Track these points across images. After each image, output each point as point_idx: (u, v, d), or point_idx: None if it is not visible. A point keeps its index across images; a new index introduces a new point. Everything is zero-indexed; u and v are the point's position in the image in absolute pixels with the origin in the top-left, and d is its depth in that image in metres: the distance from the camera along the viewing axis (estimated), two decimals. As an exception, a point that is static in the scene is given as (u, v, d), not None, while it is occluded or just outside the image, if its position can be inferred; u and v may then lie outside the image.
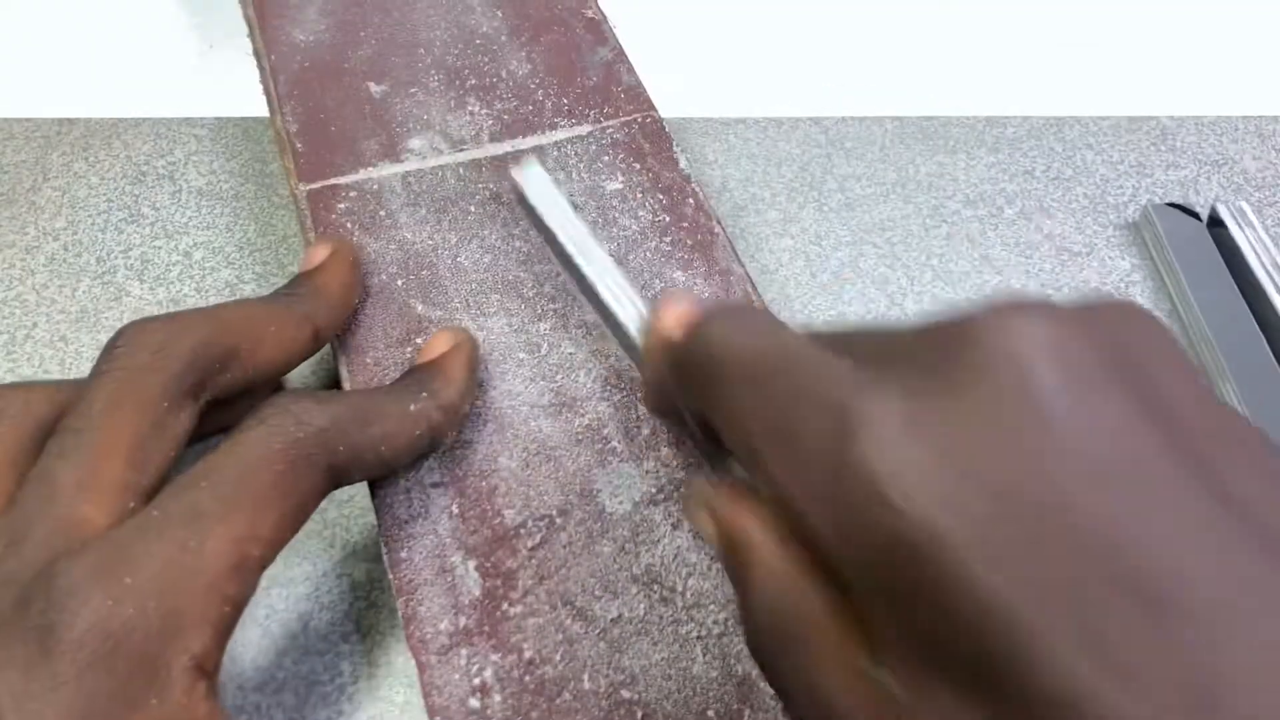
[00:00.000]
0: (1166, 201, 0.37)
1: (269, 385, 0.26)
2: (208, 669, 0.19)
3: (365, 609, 0.26)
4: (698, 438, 0.23)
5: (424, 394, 0.24)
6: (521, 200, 0.29)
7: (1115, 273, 0.36)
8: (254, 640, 0.26)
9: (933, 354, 0.16)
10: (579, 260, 0.27)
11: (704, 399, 0.20)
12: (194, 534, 0.19)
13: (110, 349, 0.22)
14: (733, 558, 0.19)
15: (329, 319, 0.26)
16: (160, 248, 0.35)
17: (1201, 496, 0.14)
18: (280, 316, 0.25)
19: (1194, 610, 0.13)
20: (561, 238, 0.27)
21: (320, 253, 0.28)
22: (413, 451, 0.24)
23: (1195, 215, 0.36)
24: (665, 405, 0.23)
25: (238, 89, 0.40)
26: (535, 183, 0.29)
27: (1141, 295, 0.35)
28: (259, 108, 0.37)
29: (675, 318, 0.22)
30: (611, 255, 0.28)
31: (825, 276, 0.35)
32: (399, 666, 0.26)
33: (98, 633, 0.18)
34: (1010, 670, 0.13)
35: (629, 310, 0.26)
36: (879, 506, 0.15)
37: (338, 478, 0.22)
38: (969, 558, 0.14)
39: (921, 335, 0.17)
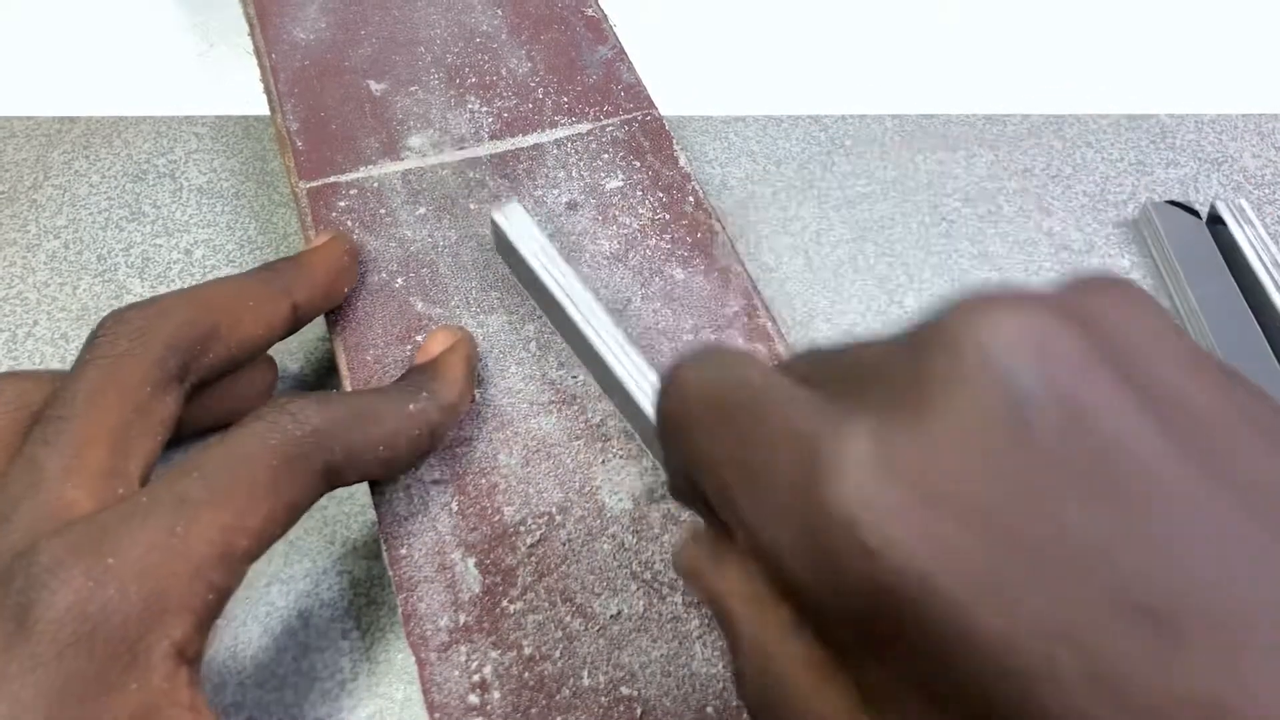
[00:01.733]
0: (1166, 199, 0.37)
1: (252, 360, 0.26)
2: (189, 656, 0.19)
3: (365, 606, 0.26)
4: (703, 512, 0.21)
5: (424, 394, 0.24)
6: (502, 243, 0.28)
7: (1114, 270, 0.36)
8: (254, 637, 0.26)
9: (905, 368, 0.14)
10: (583, 325, 0.26)
11: (681, 450, 0.18)
12: (181, 520, 0.19)
13: (92, 339, 0.23)
14: (719, 621, 0.18)
15: (308, 294, 0.27)
16: (161, 245, 0.35)
17: (1208, 492, 0.13)
18: (257, 292, 0.25)
19: (1206, 627, 0.12)
20: (559, 295, 0.27)
21: (319, 239, 0.28)
22: (413, 452, 0.24)
23: (1195, 213, 0.36)
24: (678, 484, 0.20)
25: (238, 87, 0.40)
26: (518, 224, 0.28)
27: (1141, 293, 0.35)
28: (259, 106, 0.37)
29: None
30: (606, 307, 0.27)
31: (825, 274, 0.35)
32: (399, 663, 0.26)
33: (77, 613, 0.18)
34: (1018, 715, 0.12)
35: (640, 381, 0.25)
36: (858, 554, 0.13)
37: (334, 479, 0.22)
38: (960, 600, 0.13)
39: (893, 348, 0.15)
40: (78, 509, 0.20)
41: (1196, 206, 0.37)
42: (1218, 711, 0.11)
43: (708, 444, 0.17)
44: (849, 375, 0.16)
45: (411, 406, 0.24)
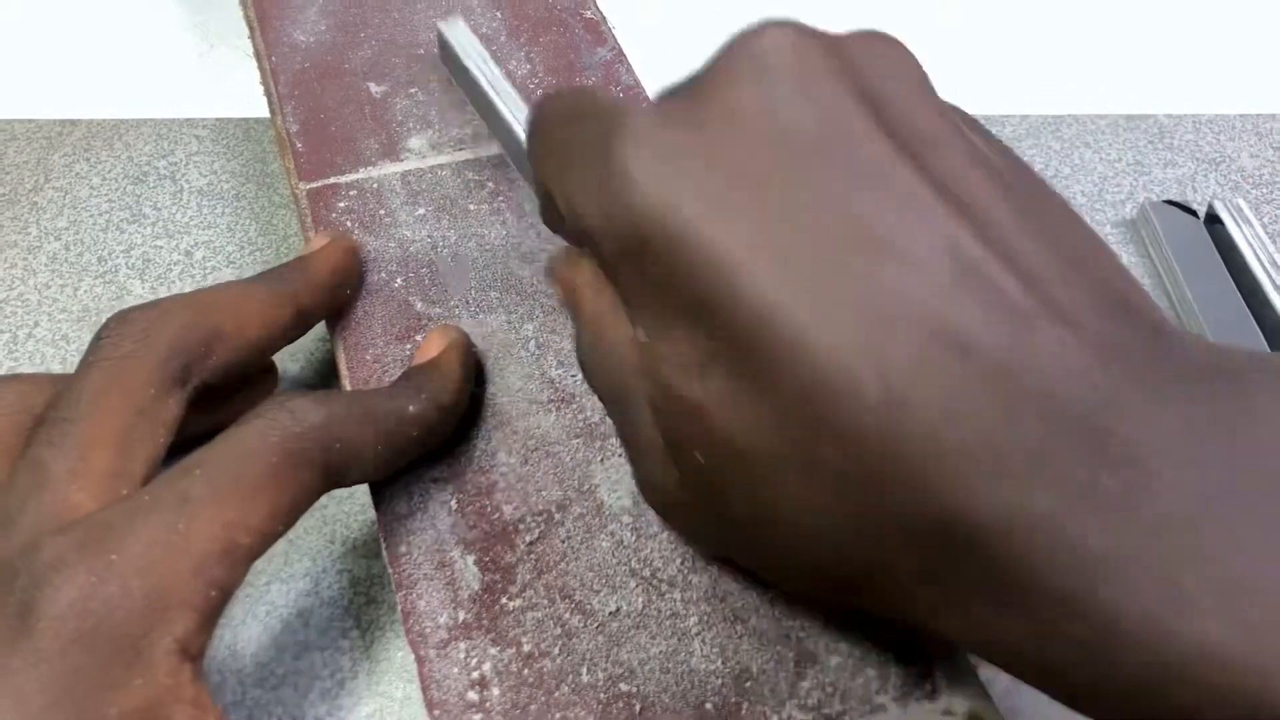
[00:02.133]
0: (1164, 199, 0.37)
1: (257, 365, 0.26)
2: (192, 653, 0.19)
3: (365, 604, 0.27)
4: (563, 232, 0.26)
5: (423, 395, 0.24)
6: (445, 50, 0.33)
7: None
8: (254, 636, 0.26)
9: (700, 72, 0.19)
10: (492, 95, 0.31)
11: (536, 160, 0.22)
12: (183, 517, 0.19)
13: (96, 341, 0.23)
14: (568, 305, 0.23)
15: (313, 298, 0.27)
16: (162, 247, 0.35)
17: (898, 166, 0.16)
18: (262, 296, 0.25)
19: (877, 243, 0.16)
20: (480, 79, 0.31)
21: (318, 242, 0.28)
22: (411, 452, 0.24)
23: (1192, 212, 0.36)
24: (545, 205, 0.23)
25: (238, 89, 0.40)
26: (460, 35, 0.32)
27: (1139, 292, 0.35)
28: (259, 108, 0.37)
29: None
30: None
31: (823, 274, 0.35)
32: (398, 661, 0.26)
33: (79, 610, 0.18)
34: (720, 300, 0.16)
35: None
36: (626, 185, 0.17)
37: (334, 476, 0.22)
38: (691, 217, 0.17)
39: (705, 63, 0.19)
40: (82, 511, 0.20)
41: (1194, 206, 0.37)
42: (875, 309, 0.15)
43: (552, 149, 0.21)
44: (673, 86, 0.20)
45: (411, 407, 0.24)
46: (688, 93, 0.18)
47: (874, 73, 0.18)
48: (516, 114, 0.30)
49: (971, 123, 0.19)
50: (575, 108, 0.21)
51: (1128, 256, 0.36)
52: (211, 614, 0.20)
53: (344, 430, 0.22)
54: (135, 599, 0.18)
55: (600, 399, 0.22)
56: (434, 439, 0.25)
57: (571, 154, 0.20)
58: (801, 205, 0.16)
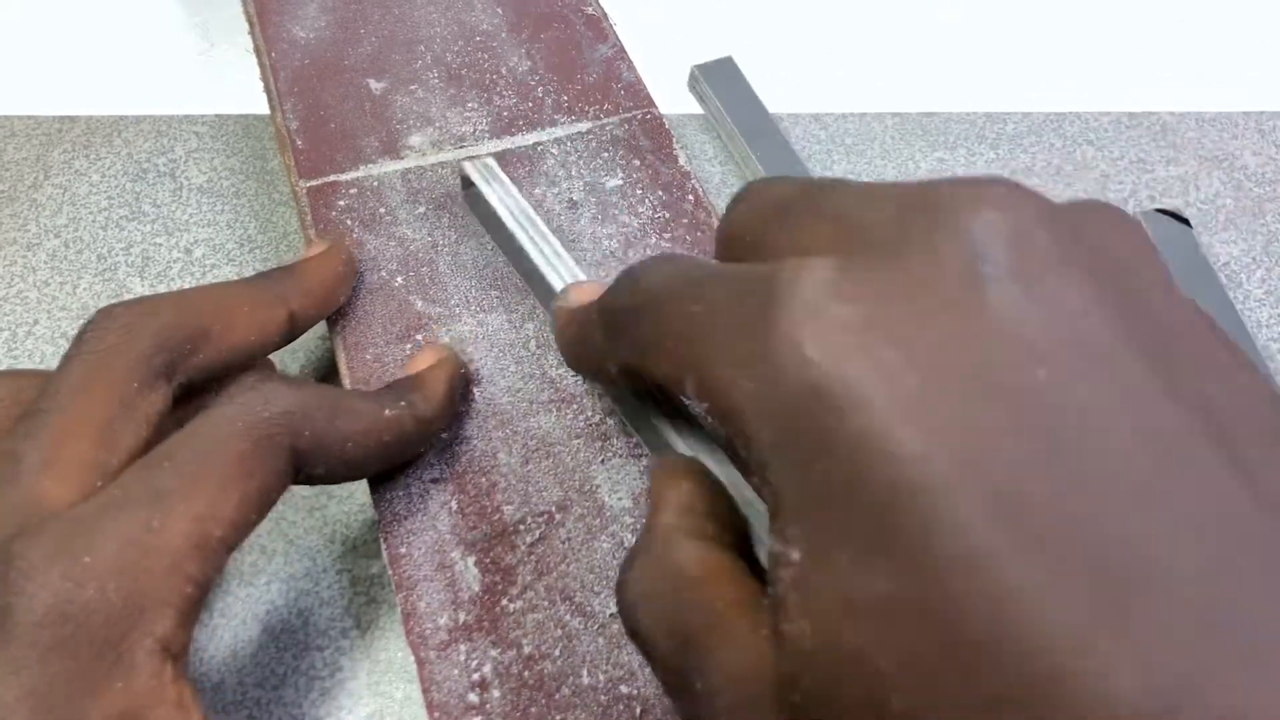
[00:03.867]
0: (1155, 207, 0.37)
1: (245, 367, 0.26)
2: (174, 651, 0.19)
3: (365, 604, 0.27)
4: (624, 397, 0.25)
5: (401, 402, 0.24)
6: (471, 192, 0.30)
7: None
8: (254, 636, 0.26)
9: (886, 221, 0.15)
10: (519, 233, 0.29)
11: (633, 334, 0.19)
12: (155, 513, 0.19)
13: (81, 334, 0.22)
14: (650, 518, 0.19)
15: (305, 304, 0.26)
16: (161, 245, 0.35)
17: (1145, 379, 0.14)
18: (253, 298, 0.25)
19: (1117, 485, 0.13)
20: (503, 213, 0.29)
21: (317, 247, 0.28)
22: (381, 457, 0.24)
23: (1185, 221, 0.36)
24: (587, 361, 0.22)
25: (238, 86, 0.40)
26: (483, 170, 0.30)
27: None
28: (259, 105, 0.37)
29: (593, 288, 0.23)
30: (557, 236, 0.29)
31: (825, 273, 0.35)
32: (399, 662, 0.26)
33: (57, 615, 0.18)
34: (913, 528, 0.13)
35: (561, 273, 0.27)
36: (797, 360, 0.14)
37: (301, 464, 0.22)
38: (882, 412, 0.13)
39: (883, 199, 0.16)
40: (54, 501, 0.20)
41: (1192, 209, 0.37)
42: (1109, 570, 0.12)
43: (673, 325, 0.18)
44: (829, 213, 0.17)
45: (387, 411, 0.24)
46: (869, 261, 0.15)
47: (1112, 264, 0.15)
48: (559, 269, 0.28)
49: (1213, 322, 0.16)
50: (692, 275, 0.18)
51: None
52: (190, 610, 0.19)
53: (314, 420, 0.22)
54: (112, 602, 0.18)
55: (641, 635, 0.18)
56: (409, 449, 0.24)
57: (711, 329, 0.16)
58: (1025, 424, 0.13)
